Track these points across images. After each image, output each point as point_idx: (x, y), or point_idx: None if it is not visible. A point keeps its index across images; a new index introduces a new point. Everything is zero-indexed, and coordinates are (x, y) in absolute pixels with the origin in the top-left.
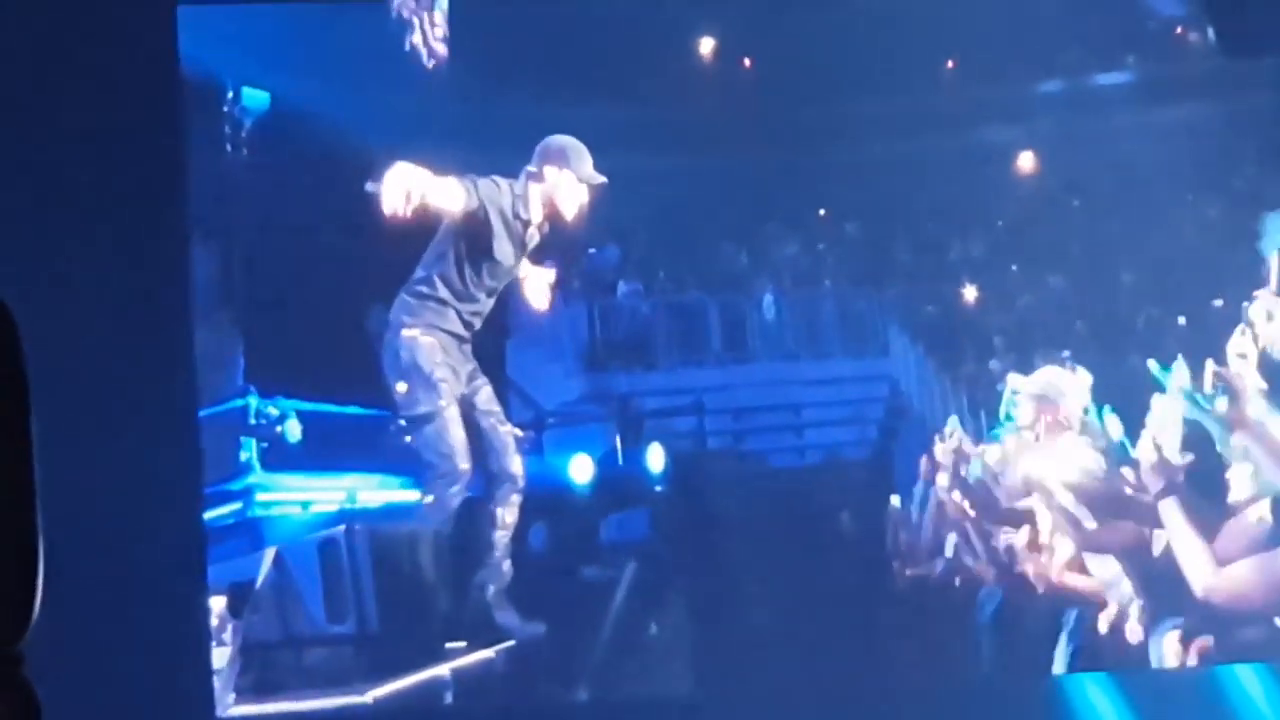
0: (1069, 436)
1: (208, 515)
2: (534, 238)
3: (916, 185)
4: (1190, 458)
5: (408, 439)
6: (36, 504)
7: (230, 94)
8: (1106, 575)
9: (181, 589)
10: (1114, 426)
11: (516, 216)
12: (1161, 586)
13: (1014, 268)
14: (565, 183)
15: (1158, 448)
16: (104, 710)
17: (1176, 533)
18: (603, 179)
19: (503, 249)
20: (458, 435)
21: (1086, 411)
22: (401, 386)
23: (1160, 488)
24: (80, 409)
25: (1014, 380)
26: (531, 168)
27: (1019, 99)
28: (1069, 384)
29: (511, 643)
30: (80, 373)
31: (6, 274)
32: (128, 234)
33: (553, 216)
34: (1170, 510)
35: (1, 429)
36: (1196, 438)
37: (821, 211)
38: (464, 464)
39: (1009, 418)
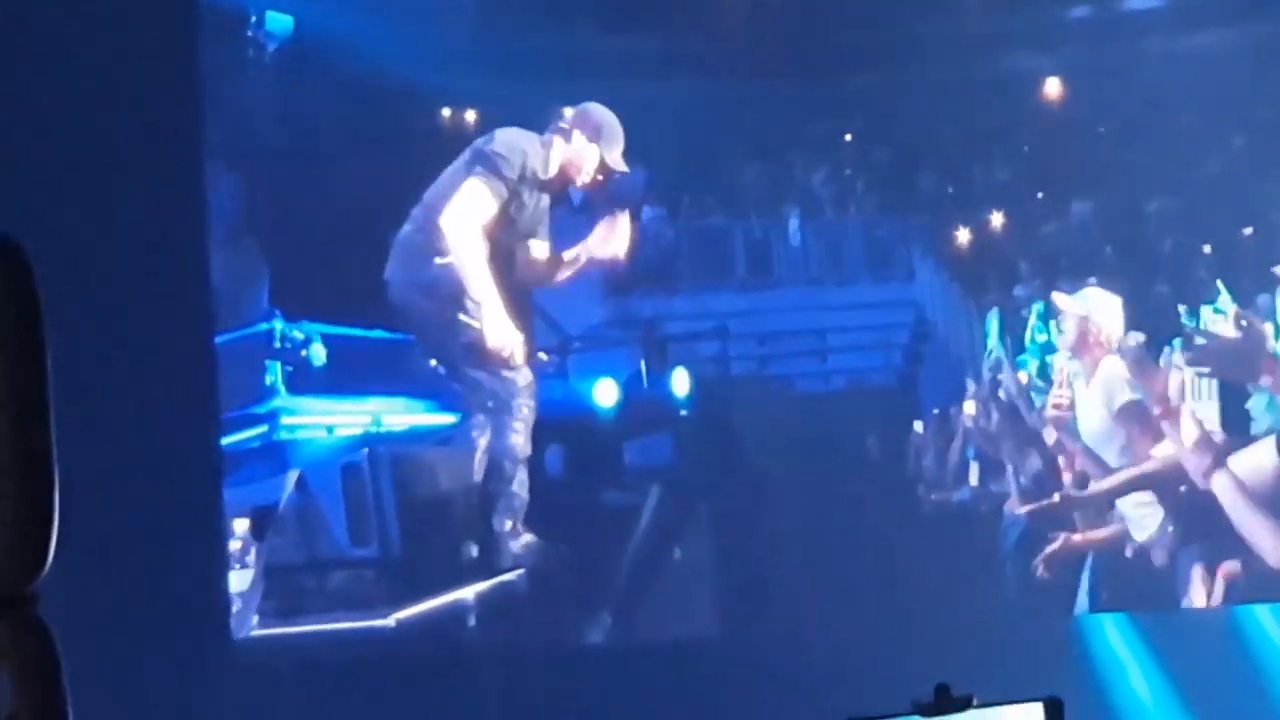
0: (1109, 359)
1: (231, 439)
2: (540, 199)
3: (943, 111)
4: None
5: (458, 366)
6: (53, 441)
7: (253, 19)
8: (1137, 502)
9: (198, 514)
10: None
11: (533, 175)
12: (1190, 513)
13: (1040, 195)
14: (589, 156)
15: (1198, 423)
16: (119, 636)
17: (1236, 509)
18: (625, 169)
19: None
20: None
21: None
22: (450, 315)
23: (1207, 464)
24: (95, 336)
25: (1058, 299)
26: (564, 125)
27: (1047, 24)
28: (1111, 306)
29: (534, 567)
30: (95, 299)
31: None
32: (141, 157)
33: (563, 181)
34: (1223, 486)
35: (16, 367)
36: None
37: (848, 137)
38: (525, 375)
39: (1034, 343)
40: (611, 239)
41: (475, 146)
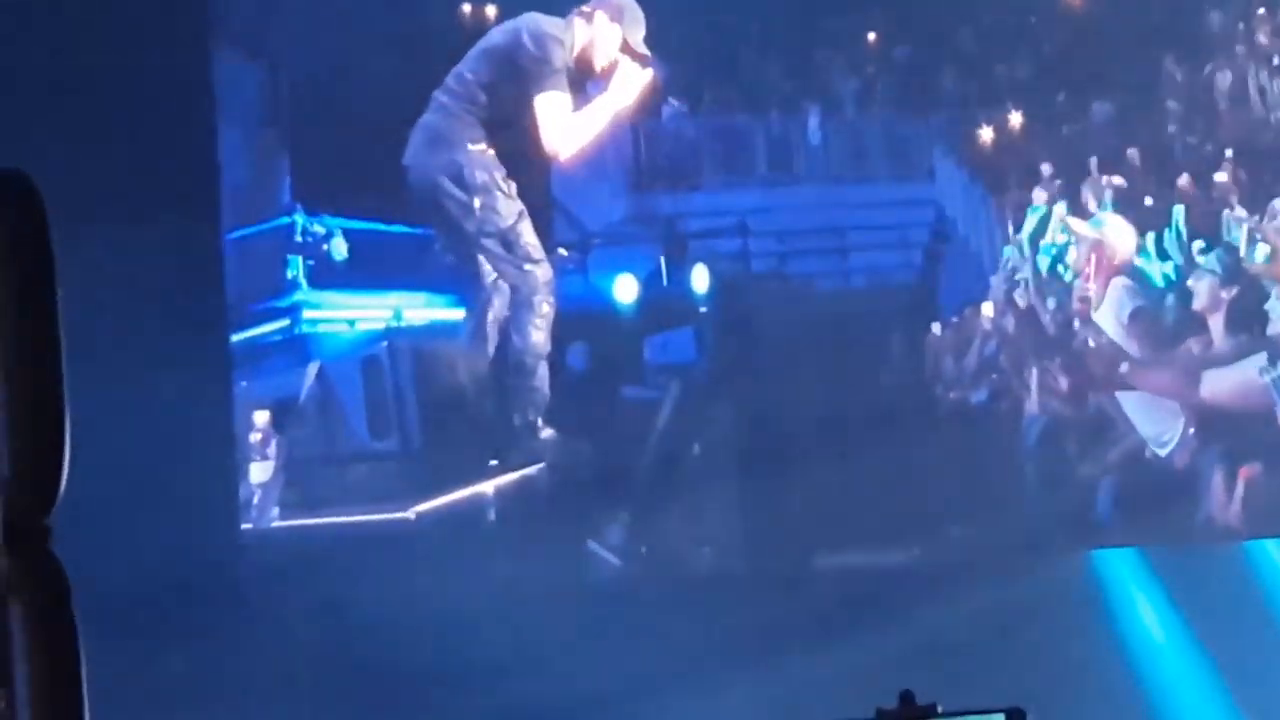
0: (1118, 279)
1: (253, 333)
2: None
3: (965, 10)
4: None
5: (480, 256)
6: (63, 374)
7: None
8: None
9: (208, 410)
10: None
11: (565, 63)
12: (1211, 415)
13: (1061, 96)
14: (610, 36)
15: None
16: (129, 532)
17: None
18: (646, 52)
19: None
20: (535, 240)
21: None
22: (477, 202)
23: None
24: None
25: (1072, 223)
26: (586, 8)
27: None
28: (1124, 231)
29: (554, 461)
30: (101, 195)
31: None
32: (147, 49)
33: (583, 62)
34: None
35: (28, 302)
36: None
37: (870, 34)
38: (546, 269)
39: (1054, 244)
40: (628, 84)
41: (514, 47)
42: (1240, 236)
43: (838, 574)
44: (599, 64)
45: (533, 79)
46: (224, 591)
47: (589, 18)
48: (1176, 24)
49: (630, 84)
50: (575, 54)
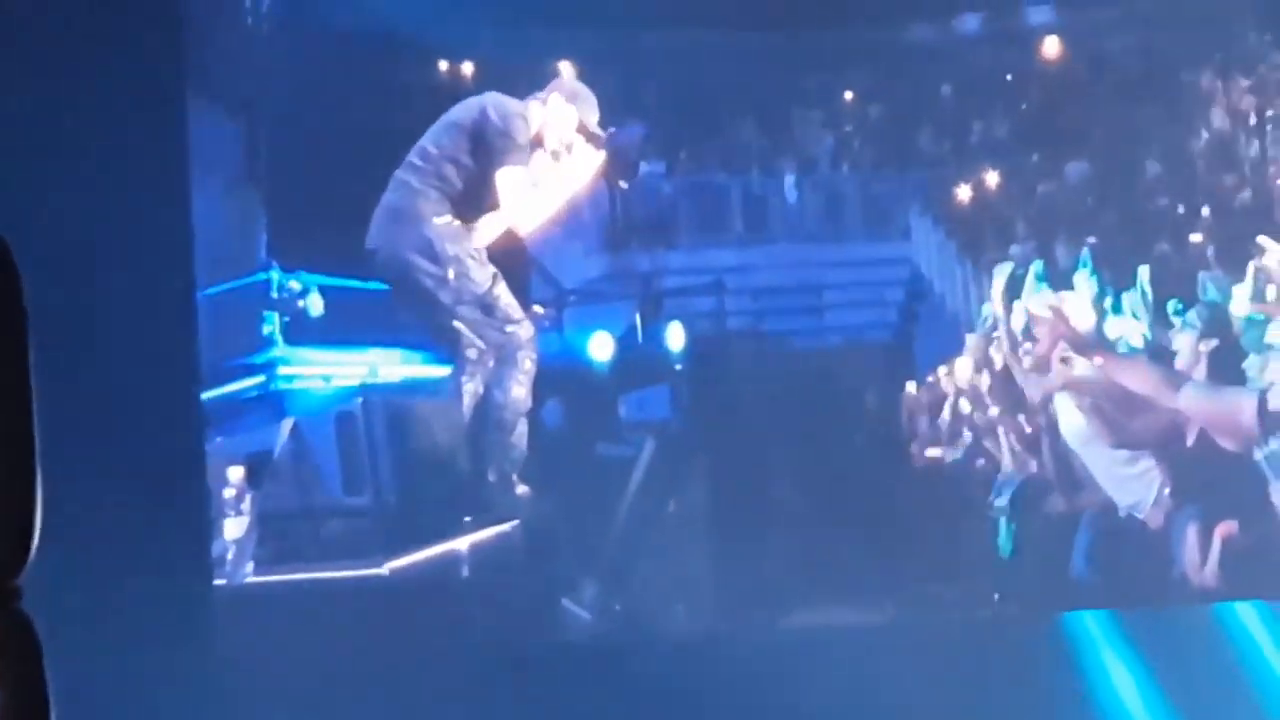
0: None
1: (229, 389)
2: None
3: (942, 69)
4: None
5: (459, 325)
6: (34, 433)
7: None
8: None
9: (180, 467)
10: (1134, 326)
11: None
12: (1188, 473)
13: (1036, 155)
14: (565, 117)
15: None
16: (101, 590)
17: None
18: (601, 134)
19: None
20: (513, 300)
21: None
22: (451, 273)
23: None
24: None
25: (1030, 305)
26: (540, 95)
27: None
28: (1080, 307)
29: (529, 518)
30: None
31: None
32: (123, 103)
33: (538, 143)
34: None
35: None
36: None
37: (847, 93)
38: (527, 328)
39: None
40: (583, 164)
41: (481, 121)
42: (1219, 294)
43: (809, 634)
44: (551, 145)
45: (497, 153)
46: (197, 648)
47: (544, 101)
48: (1153, 84)
49: (585, 165)
50: (532, 135)
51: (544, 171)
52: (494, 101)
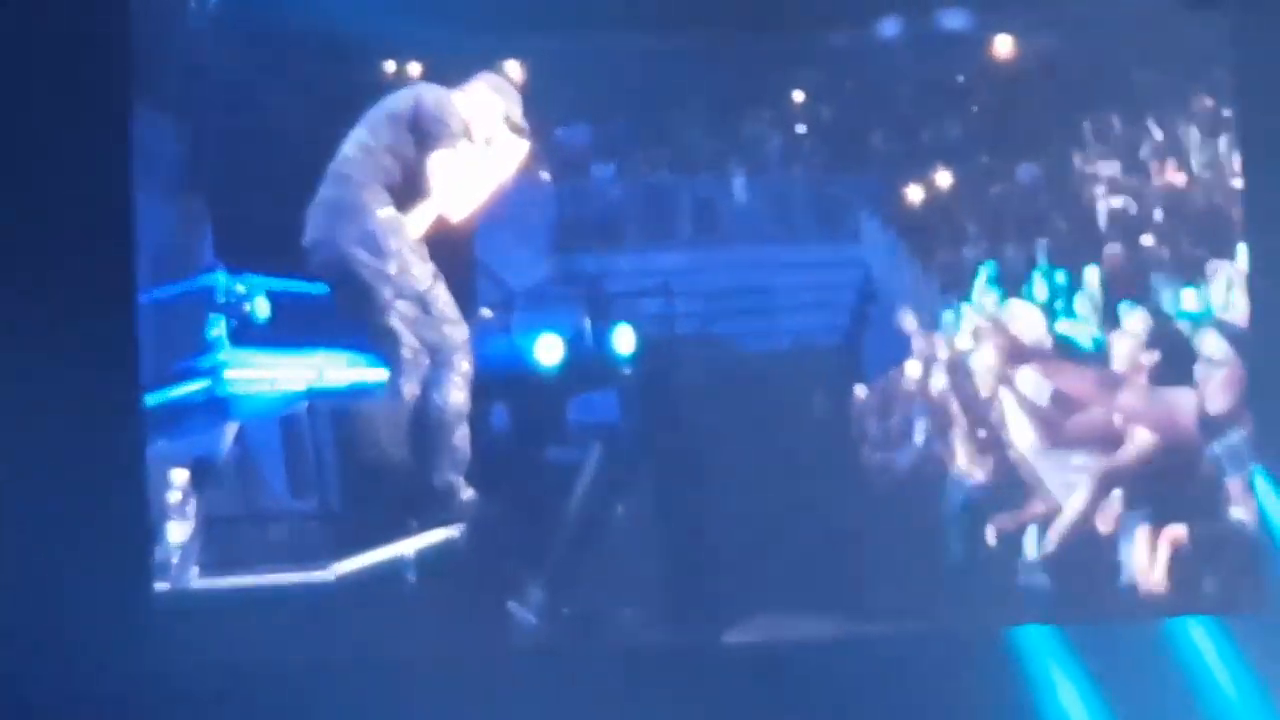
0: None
1: (175, 392)
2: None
3: (893, 70)
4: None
5: (397, 322)
6: None
7: None
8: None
9: (120, 472)
10: (1084, 331)
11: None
12: (1139, 477)
13: (989, 155)
14: (492, 107)
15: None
16: (41, 596)
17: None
18: (524, 127)
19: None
20: (451, 300)
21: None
22: (393, 267)
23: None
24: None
25: (974, 317)
26: (465, 86)
27: None
28: (1028, 316)
29: (475, 522)
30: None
31: None
32: (65, 108)
33: (464, 133)
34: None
35: None
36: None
37: (797, 94)
38: (464, 329)
39: (981, 305)
40: (508, 155)
41: (417, 108)
42: (1171, 294)
43: (757, 642)
44: (478, 136)
45: (433, 138)
46: (137, 653)
47: (469, 92)
48: (1107, 85)
49: (510, 155)
50: (462, 127)
51: (473, 161)
52: (427, 90)
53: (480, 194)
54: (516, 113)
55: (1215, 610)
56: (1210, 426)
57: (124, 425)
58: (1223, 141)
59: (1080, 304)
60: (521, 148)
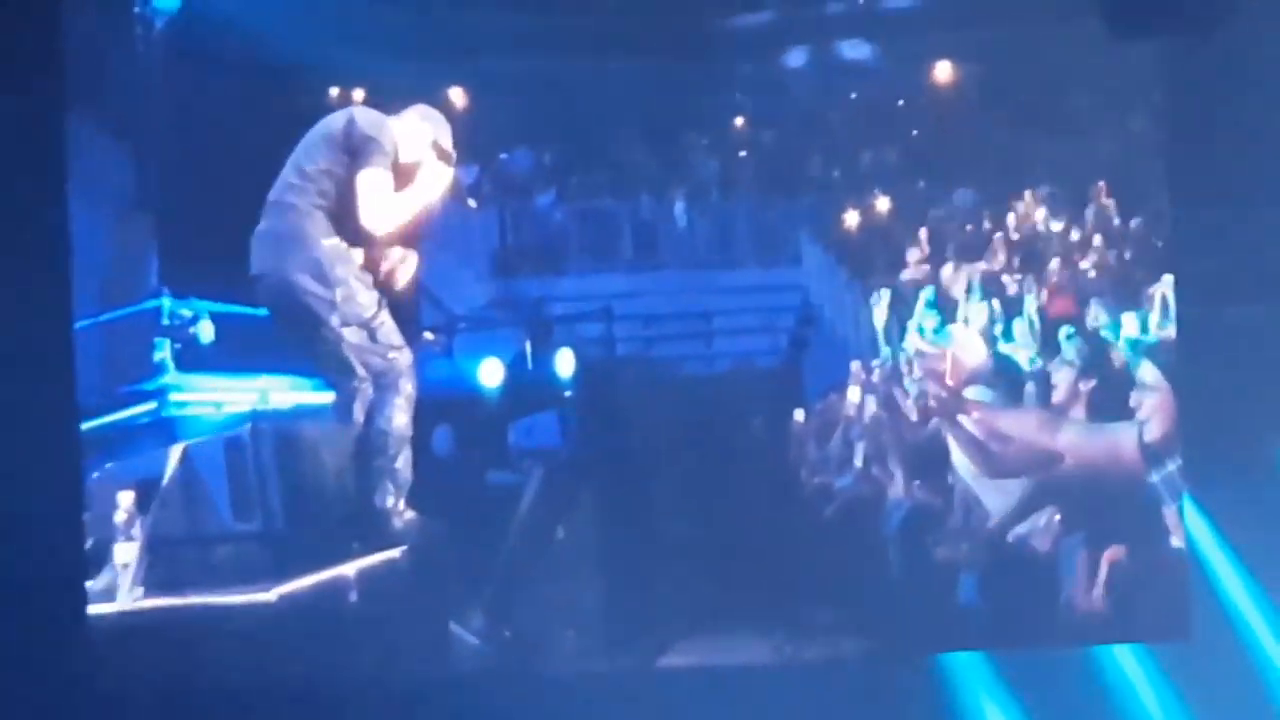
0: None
1: (121, 415)
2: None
3: (832, 95)
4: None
5: (343, 348)
6: None
7: None
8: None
9: (57, 497)
10: (1023, 354)
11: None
12: (1078, 500)
13: (926, 180)
14: (420, 133)
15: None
16: None
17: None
18: (450, 154)
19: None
20: (395, 326)
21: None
22: (339, 295)
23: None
24: None
25: (918, 343)
26: (397, 115)
27: (937, 7)
28: (970, 342)
29: (416, 545)
30: None
31: None
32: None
33: (394, 160)
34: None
35: None
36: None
37: (738, 120)
38: (407, 354)
39: (921, 329)
40: (435, 180)
41: (349, 128)
42: (1109, 320)
43: (696, 665)
44: (405, 159)
45: (363, 155)
46: (71, 677)
47: (401, 118)
48: (1043, 110)
49: (437, 181)
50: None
51: (402, 184)
52: (358, 111)
53: (404, 214)
54: (445, 140)
55: (1145, 638)
56: (1151, 455)
57: (61, 449)
58: (1154, 165)
59: (1019, 329)
60: (446, 174)
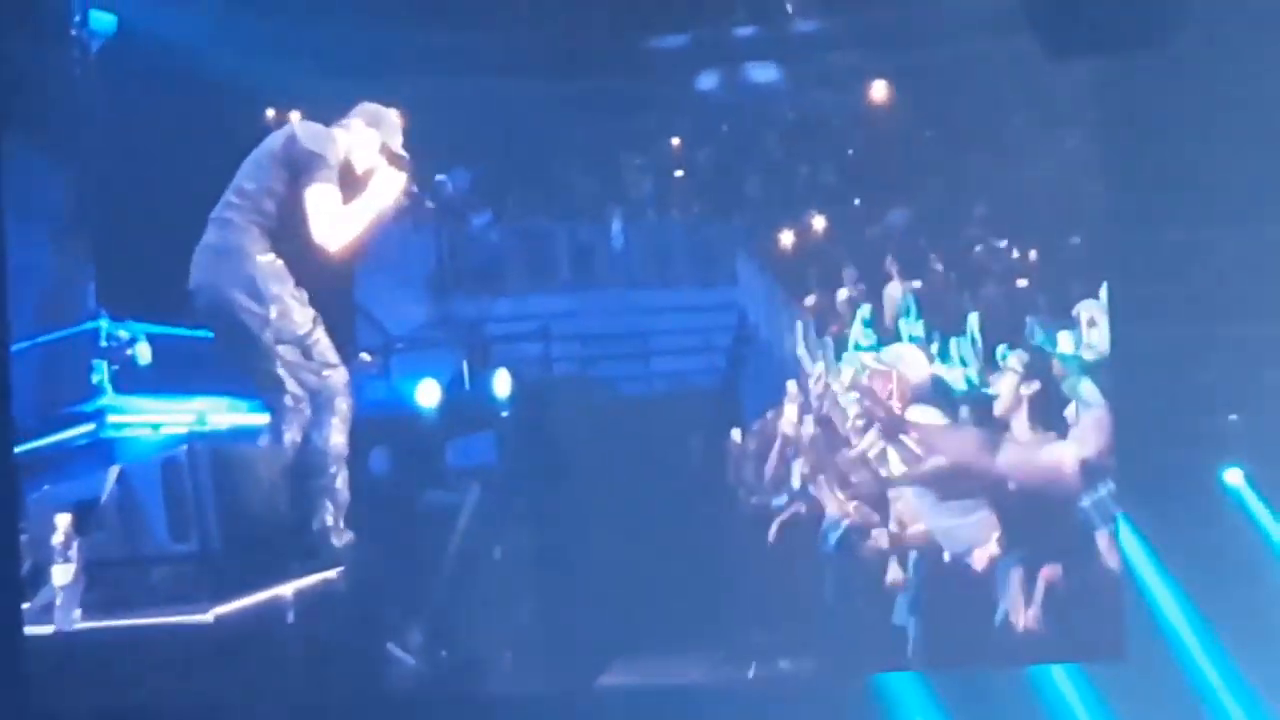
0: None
1: (59, 437)
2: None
3: (768, 114)
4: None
5: (278, 367)
6: None
7: (77, 17)
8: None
9: None
10: (959, 373)
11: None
12: (1017, 519)
13: (864, 197)
14: (368, 141)
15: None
16: None
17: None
18: (405, 155)
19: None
20: (331, 345)
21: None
22: (273, 312)
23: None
24: None
25: (865, 359)
26: (344, 120)
27: (873, 26)
28: (913, 359)
29: (353, 565)
30: None
31: None
32: None
33: (345, 168)
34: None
35: None
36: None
37: (674, 140)
38: (343, 372)
39: (857, 347)
40: (387, 186)
41: (290, 146)
42: (1046, 338)
43: (633, 685)
44: (360, 168)
45: (308, 172)
46: (13, 697)
47: (347, 127)
48: (979, 128)
49: (389, 186)
50: (342, 158)
51: (352, 194)
52: (300, 126)
53: (357, 226)
54: (396, 142)
55: (1080, 657)
56: (1088, 472)
57: None
58: (1091, 184)
59: (960, 348)
60: (399, 179)
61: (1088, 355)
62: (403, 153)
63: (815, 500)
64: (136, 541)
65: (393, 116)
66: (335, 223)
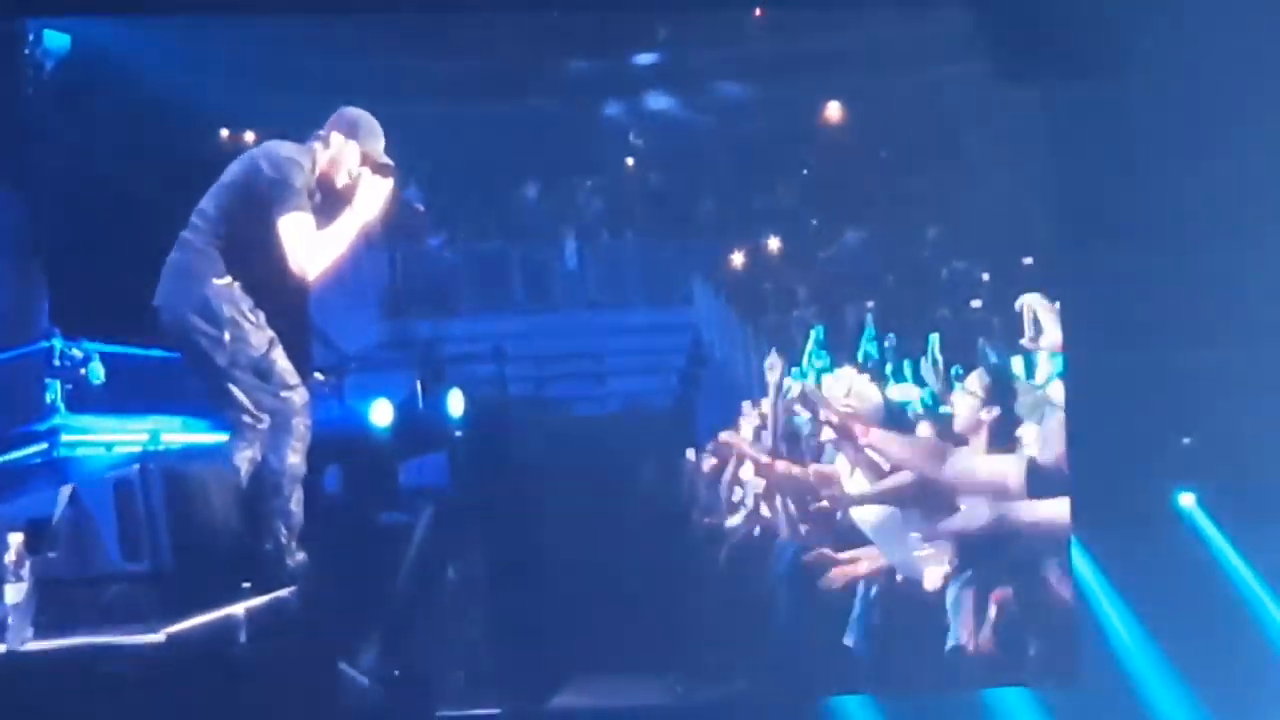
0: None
1: (11, 456)
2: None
3: (722, 135)
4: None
5: (234, 388)
6: None
7: (31, 37)
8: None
9: None
10: (913, 391)
11: (307, 185)
12: (969, 542)
13: (819, 219)
14: (348, 153)
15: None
16: None
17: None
18: (389, 161)
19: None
20: (289, 365)
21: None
22: (227, 335)
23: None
24: None
25: (814, 388)
26: (321, 132)
27: (827, 50)
28: (864, 390)
29: (307, 585)
30: None
31: None
32: None
33: (325, 182)
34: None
35: None
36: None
37: (629, 161)
38: (302, 393)
39: (811, 368)
40: (372, 196)
41: (252, 174)
42: (998, 359)
43: (586, 706)
44: (341, 182)
45: (273, 203)
46: None
47: (325, 140)
48: (933, 150)
49: (374, 195)
50: (317, 176)
51: (332, 208)
52: (266, 151)
53: (339, 247)
54: (378, 149)
55: (1031, 682)
56: (1039, 483)
57: None
58: (1045, 206)
59: (918, 368)
60: (384, 187)
61: (1042, 363)
62: (386, 160)
63: (768, 521)
64: (89, 561)
65: (372, 122)
66: (312, 251)
